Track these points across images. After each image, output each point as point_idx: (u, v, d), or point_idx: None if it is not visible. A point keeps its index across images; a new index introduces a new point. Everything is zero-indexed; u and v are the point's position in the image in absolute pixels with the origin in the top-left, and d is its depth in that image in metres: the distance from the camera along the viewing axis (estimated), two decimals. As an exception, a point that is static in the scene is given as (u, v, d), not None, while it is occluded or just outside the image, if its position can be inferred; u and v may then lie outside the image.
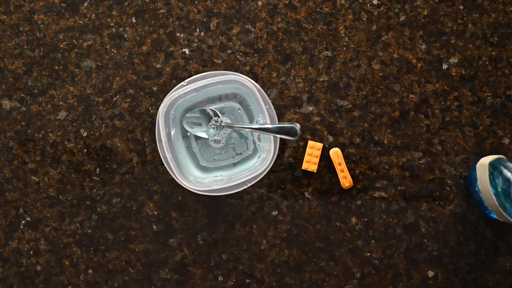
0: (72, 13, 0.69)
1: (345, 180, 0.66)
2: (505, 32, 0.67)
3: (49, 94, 0.69)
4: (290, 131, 0.61)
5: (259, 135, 0.66)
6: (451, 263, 0.66)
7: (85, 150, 0.68)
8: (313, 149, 0.65)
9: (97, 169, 0.68)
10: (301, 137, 0.67)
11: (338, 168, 0.65)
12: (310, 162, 0.66)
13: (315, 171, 0.66)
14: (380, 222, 0.67)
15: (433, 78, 0.67)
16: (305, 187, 0.67)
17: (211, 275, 0.67)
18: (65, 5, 0.69)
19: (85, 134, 0.68)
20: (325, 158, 0.67)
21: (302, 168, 0.66)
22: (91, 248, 0.68)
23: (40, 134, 0.68)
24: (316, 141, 0.67)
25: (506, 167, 0.60)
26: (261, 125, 0.62)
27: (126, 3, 0.69)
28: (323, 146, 0.67)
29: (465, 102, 0.67)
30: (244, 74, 0.64)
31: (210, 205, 0.67)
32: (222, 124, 0.64)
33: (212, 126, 0.65)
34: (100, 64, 0.68)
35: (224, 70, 0.68)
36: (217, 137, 0.65)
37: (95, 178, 0.68)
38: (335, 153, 0.66)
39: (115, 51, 0.68)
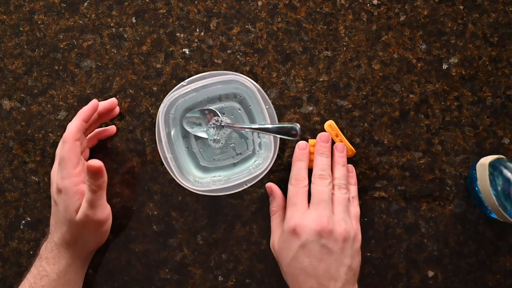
0: (72, 13, 0.69)
1: (347, 149, 0.65)
2: (505, 32, 0.67)
3: (49, 94, 0.69)
4: (290, 131, 0.61)
5: (260, 142, 0.66)
6: (451, 263, 0.66)
7: (85, 150, 0.68)
8: (314, 147, 0.65)
9: (97, 169, 0.68)
10: (301, 137, 0.67)
11: (336, 140, 0.65)
12: (311, 160, 0.66)
13: None
14: (380, 222, 0.67)
15: (433, 78, 0.67)
16: (305, 187, 0.67)
17: (211, 275, 0.67)
18: (65, 5, 0.69)
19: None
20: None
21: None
22: (91, 248, 0.68)
23: (40, 134, 0.68)
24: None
25: (506, 167, 0.60)
26: (261, 125, 0.62)
27: (126, 3, 0.69)
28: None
29: (465, 102, 0.67)
30: (244, 74, 0.64)
31: (210, 205, 0.67)
32: (222, 124, 0.64)
33: (212, 126, 0.65)
34: (100, 64, 0.68)
35: (224, 70, 0.68)
36: (217, 136, 0.65)
37: (95, 178, 0.68)
38: (330, 126, 0.65)
39: (115, 51, 0.68)
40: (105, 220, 0.62)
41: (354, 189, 0.64)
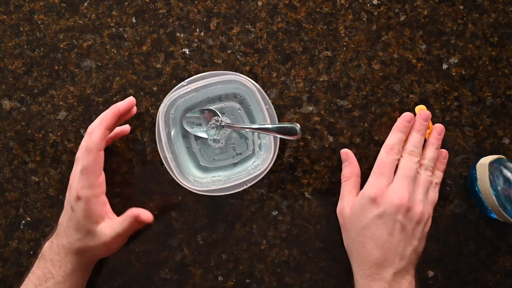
0: (72, 13, 0.69)
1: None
2: (505, 32, 0.67)
3: (49, 94, 0.69)
4: (290, 131, 0.61)
5: (260, 143, 0.66)
6: (451, 263, 0.66)
7: (85, 150, 0.68)
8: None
9: (97, 169, 0.68)
10: (301, 137, 0.67)
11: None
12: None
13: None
14: (380, 222, 0.67)
15: (433, 78, 0.67)
16: (305, 187, 0.67)
17: (211, 275, 0.67)
18: (65, 5, 0.69)
19: (85, 134, 0.68)
20: (325, 157, 0.67)
21: None
22: (91, 248, 0.68)
23: (40, 134, 0.68)
24: (316, 141, 0.67)
25: (506, 167, 0.60)
26: (261, 125, 0.62)
27: (126, 3, 0.69)
28: (323, 146, 0.67)
29: (465, 102, 0.67)
30: (244, 74, 0.64)
31: (210, 205, 0.67)
32: (222, 124, 0.64)
33: (212, 126, 0.65)
34: (100, 64, 0.68)
35: (224, 70, 0.68)
36: (217, 136, 0.65)
37: (95, 178, 0.68)
38: (421, 109, 0.66)
39: (115, 51, 0.68)
40: (122, 245, 0.63)
41: (440, 175, 0.64)
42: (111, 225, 0.60)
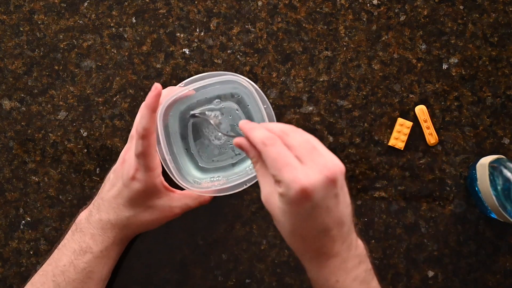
0: (72, 13, 0.69)
1: (431, 137, 0.66)
2: (505, 32, 0.67)
3: (49, 94, 0.69)
4: None
5: None
6: (451, 263, 0.66)
7: (85, 150, 0.68)
8: (403, 126, 0.66)
9: (97, 169, 0.68)
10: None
11: (424, 125, 0.66)
12: (398, 139, 0.66)
13: (402, 149, 0.66)
14: (380, 222, 0.67)
15: (433, 78, 0.67)
16: (305, 187, 0.67)
17: (211, 275, 0.67)
18: (65, 5, 0.69)
19: (85, 134, 0.68)
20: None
21: (389, 144, 0.66)
22: (91, 248, 0.68)
23: (40, 134, 0.68)
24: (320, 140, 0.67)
25: (506, 167, 0.60)
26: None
27: (126, 3, 0.69)
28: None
29: (465, 102, 0.67)
30: (244, 74, 0.64)
31: (210, 205, 0.67)
32: (221, 125, 0.64)
33: (211, 123, 0.65)
34: (100, 64, 0.69)
35: (224, 70, 0.68)
36: (217, 134, 0.65)
37: (95, 178, 0.68)
38: (421, 110, 0.66)
39: (115, 51, 0.68)
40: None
41: None
42: (179, 198, 0.62)
